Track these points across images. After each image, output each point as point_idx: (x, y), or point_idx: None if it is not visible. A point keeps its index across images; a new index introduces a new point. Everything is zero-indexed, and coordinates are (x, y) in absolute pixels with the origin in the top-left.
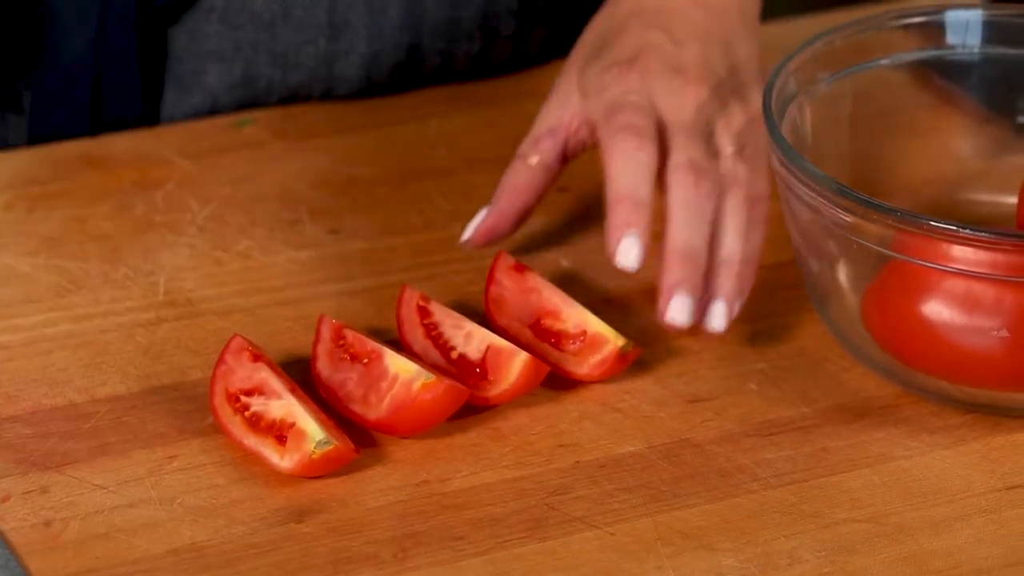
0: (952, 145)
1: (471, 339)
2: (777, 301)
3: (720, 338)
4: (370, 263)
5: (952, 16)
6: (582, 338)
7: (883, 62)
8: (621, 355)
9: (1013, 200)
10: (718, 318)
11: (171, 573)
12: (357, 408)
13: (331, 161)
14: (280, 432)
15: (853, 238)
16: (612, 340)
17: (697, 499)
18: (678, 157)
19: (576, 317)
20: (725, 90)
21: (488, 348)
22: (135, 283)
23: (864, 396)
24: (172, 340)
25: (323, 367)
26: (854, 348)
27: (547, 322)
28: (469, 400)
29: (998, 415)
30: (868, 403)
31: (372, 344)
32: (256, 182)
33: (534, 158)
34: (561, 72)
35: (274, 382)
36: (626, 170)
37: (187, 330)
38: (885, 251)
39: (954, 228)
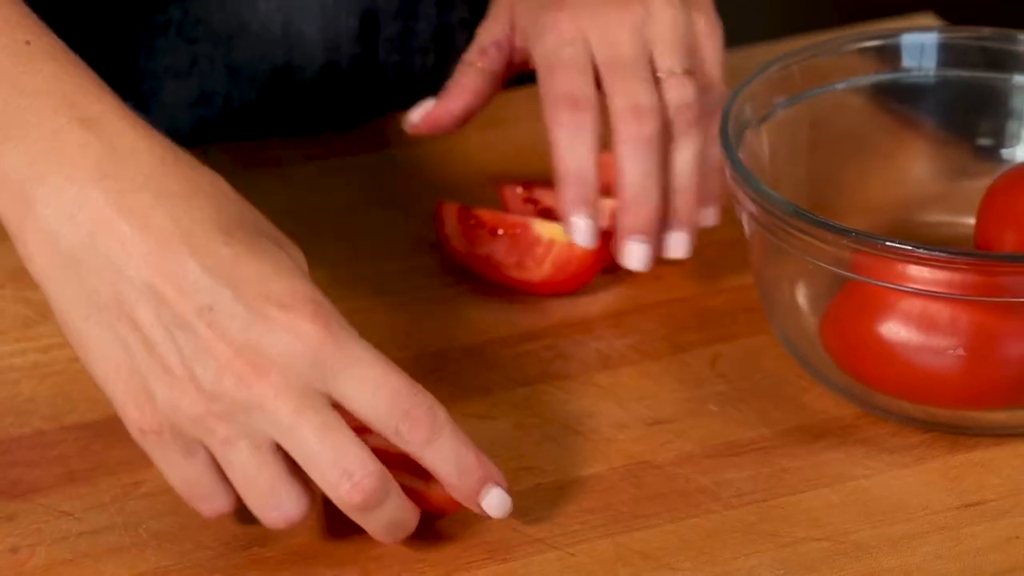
0: (910, 168)
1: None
2: (738, 323)
3: (681, 361)
4: (334, 291)
5: (908, 39)
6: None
7: (839, 86)
8: None
9: (972, 221)
10: (679, 247)
11: None
12: (514, 274)
13: (295, 190)
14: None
15: (811, 260)
16: None
17: (657, 520)
18: (619, 102)
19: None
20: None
21: (613, 213)
22: None
23: (823, 417)
24: None
25: (460, 245)
26: (813, 369)
27: None
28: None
29: (957, 434)
30: (827, 423)
31: (511, 216)
32: None
33: (481, 64)
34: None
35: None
36: (569, 145)
37: None
38: (842, 272)
39: (909, 248)
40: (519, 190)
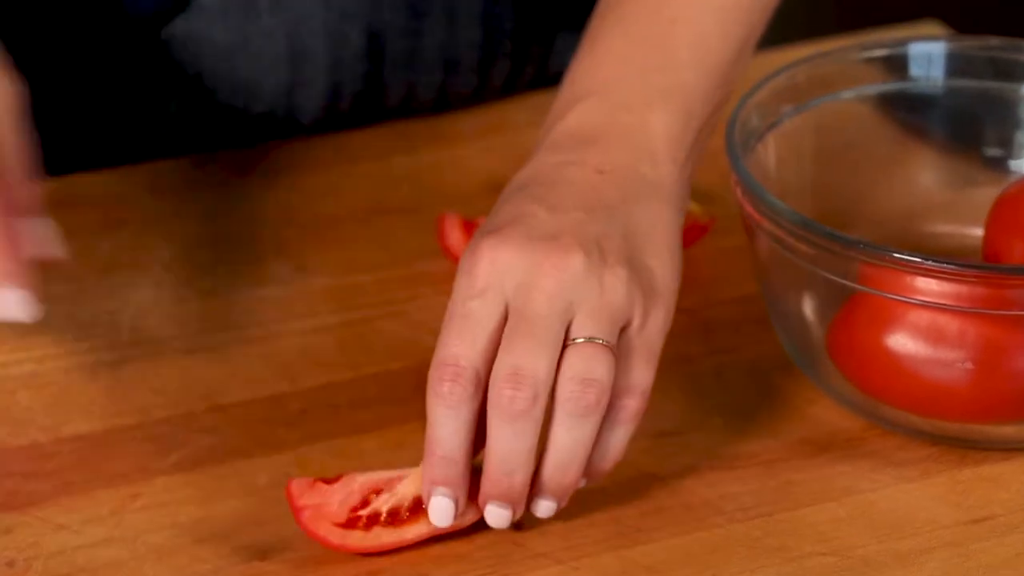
0: (917, 178)
1: None
2: (743, 335)
3: (686, 372)
4: (335, 300)
5: (915, 49)
6: None
7: (846, 95)
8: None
9: (979, 232)
10: (545, 512)
11: None
12: None
13: (296, 198)
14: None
15: (817, 271)
16: (694, 209)
17: (662, 533)
18: (502, 362)
19: None
20: (611, 258)
21: None
22: (99, 323)
23: (830, 429)
24: (136, 379)
25: (462, 255)
26: (820, 381)
27: None
28: None
29: (964, 447)
30: (834, 436)
31: None
32: (221, 220)
33: None
34: None
35: (378, 476)
36: (442, 420)
37: (151, 369)
38: (850, 283)
39: (918, 260)
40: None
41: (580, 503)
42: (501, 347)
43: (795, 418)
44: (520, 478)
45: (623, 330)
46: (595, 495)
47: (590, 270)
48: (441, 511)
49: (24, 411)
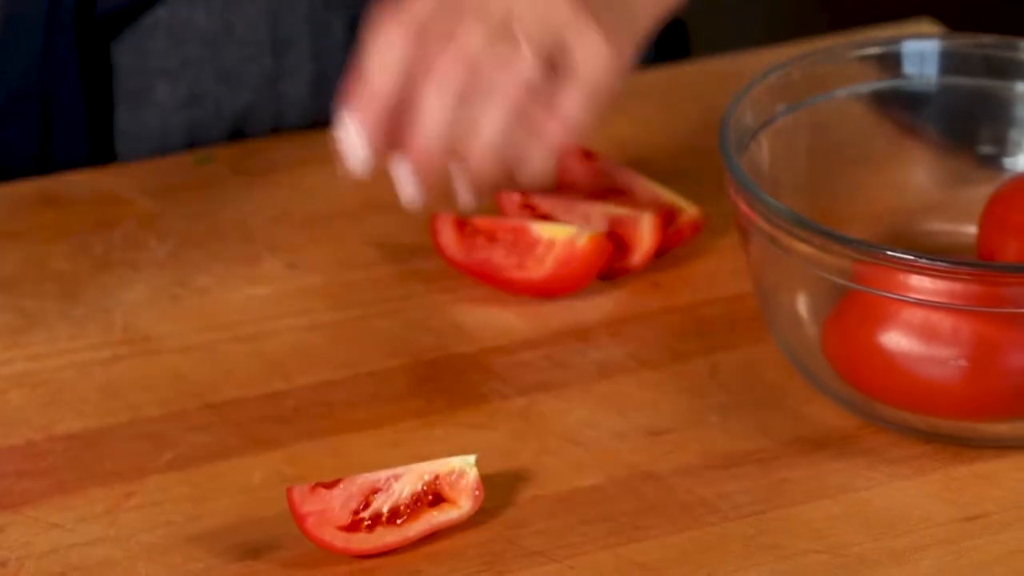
0: (911, 176)
1: (591, 217)
2: (737, 333)
3: (680, 371)
4: (328, 298)
5: (909, 47)
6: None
7: (840, 93)
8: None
9: (973, 230)
10: (462, 199)
11: None
12: (515, 275)
13: (290, 195)
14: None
15: (811, 269)
16: (686, 208)
17: (657, 532)
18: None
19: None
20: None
21: (611, 220)
22: (92, 321)
23: (824, 427)
24: (129, 377)
25: (455, 253)
26: (814, 379)
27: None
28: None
29: (959, 445)
30: (828, 434)
31: (509, 221)
32: (214, 218)
33: None
34: None
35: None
36: (377, 52)
37: (144, 367)
38: (844, 282)
39: (911, 257)
40: (516, 197)
41: (574, 501)
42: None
43: (790, 416)
44: (439, 149)
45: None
46: (589, 495)
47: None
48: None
49: (16, 410)
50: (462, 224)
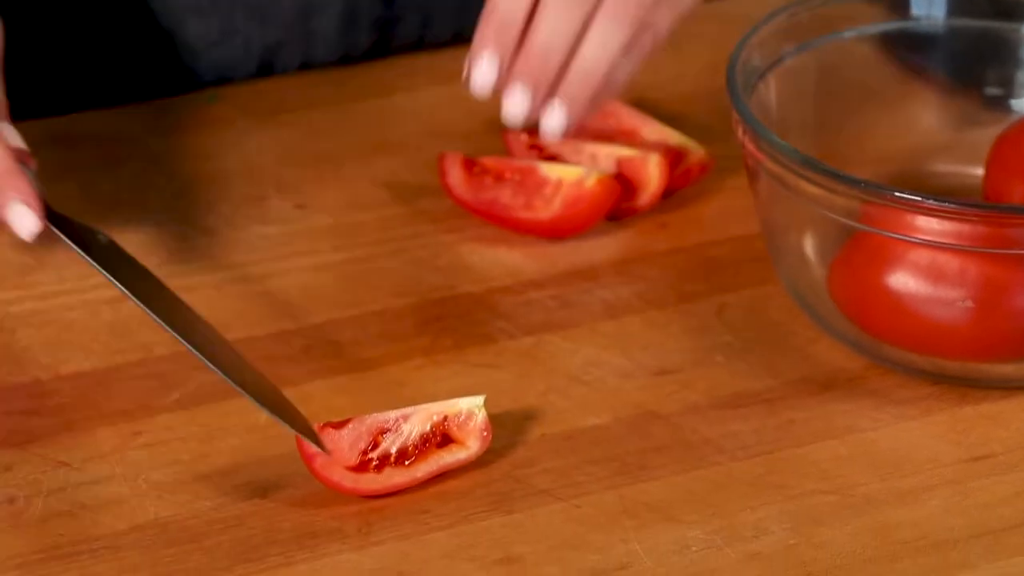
0: (919, 117)
1: (598, 158)
2: (744, 274)
3: (687, 311)
4: (337, 238)
5: None
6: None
7: (848, 34)
8: (701, 163)
9: (980, 172)
10: (555, 120)
11: (135, 549)
12: (522, 215)
13: (298, 136)
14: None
15: (819, 210)
16: (694, 149)
17: (663, 471)
18: None
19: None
20: None
21: (619, 160)
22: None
23: (831, 368)
24: (137, 317)
25: (464, 194)
26: (821, 320)
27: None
28: (617, 214)
29: (965, 386)
30: (835, 375)
31: (517, 161)
32: (223, 158)
33: None
34: None
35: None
36: None
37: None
38: (851, 223)
39: (919, 199)
40: (524, 136)
41: (581, 441)
42: None
43: (796, 357)
44: (556, 60)
45: None
46: (595, 434)
47: None
48: (486, 73)
49: (24, 349)
50: (470, 164)
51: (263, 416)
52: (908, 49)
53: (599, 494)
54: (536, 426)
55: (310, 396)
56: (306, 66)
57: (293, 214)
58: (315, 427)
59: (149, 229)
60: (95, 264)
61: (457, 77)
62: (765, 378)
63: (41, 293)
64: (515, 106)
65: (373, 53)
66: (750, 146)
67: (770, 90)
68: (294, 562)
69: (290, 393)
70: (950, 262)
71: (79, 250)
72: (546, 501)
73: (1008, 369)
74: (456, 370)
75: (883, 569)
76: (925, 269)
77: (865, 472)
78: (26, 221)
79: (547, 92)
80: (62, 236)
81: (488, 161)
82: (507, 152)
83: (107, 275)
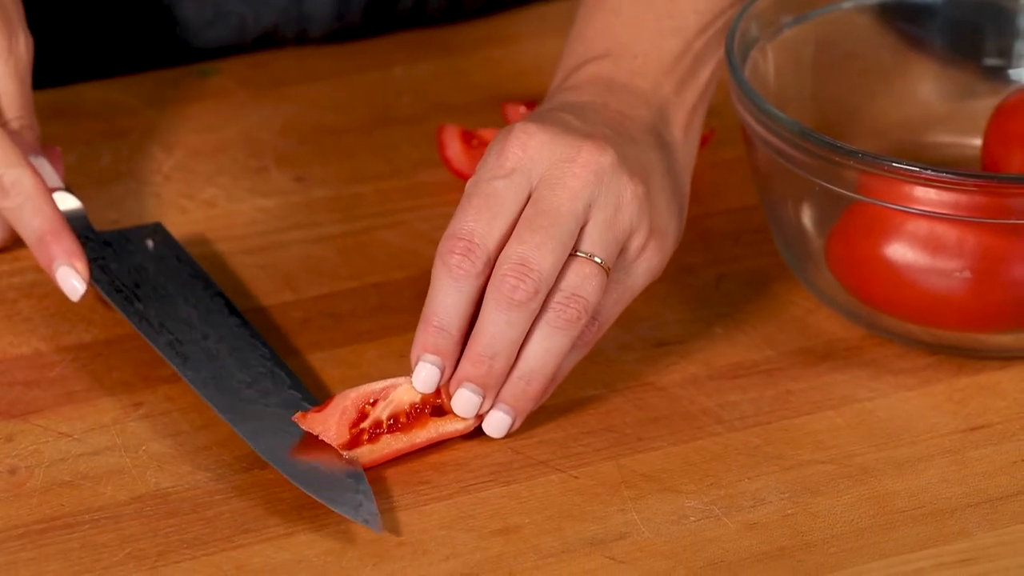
0: (917, 88)
1: None
2: (742, 245)
3: (685, 282)
4: (336, 210)
5: None
6: None
7: (846, 5)
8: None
9: (978, 142)
10: (500, 423)
11: (136, 519)
12: None
13: (297, 109)
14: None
15: (816, 181)
16: None
17: (661, 442)
18: (513, 249)
19: None
20: (634, 173)
21: None
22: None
23: (829, 338)
24: None
25: (463, 166)
26: (819, 291)
27: None
28: None
29: (963, 356)
30: (833, 345)
31: None
32: (222, 130)
33: None
34: None
35: (370, 388)
36: (444, 290)
37: None
38: (848, 193)
39: (917, 169)
40: (522, 109)
41: (579, 412)
42: (515, 234)
43: (794, 327)
44: (500, 365)
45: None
46: (592, 404)
47: (615, 175)
48: (427, 378)
49: (25, 320)
50: (469, 137)
51: None
52: (906, 20)
53: (597, 465)
54: None
55: (308, 368)
56: (302, 43)
57: (293, 186)
58: (297, 417)
59: (148, 201)
60: (137, 327)
61: (456, 50)
62: (763, 349)
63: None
64: (464, 407)
65: (370, 29)
66: (748, 118)
67: (768, 61)
68: (294, 532)
69: (288, 365)
70: (948, 232)
71: (123, 312)
72: (544, 472)
73: (1006, 339)
74: None
75: (880, 538)
76: (923, 239)
77: (862, 442)
78: (75, 283)
79: (494, 392)
80: (107, 298)
81: (486, 133)
82: (505, 125)
83: (148, 338)
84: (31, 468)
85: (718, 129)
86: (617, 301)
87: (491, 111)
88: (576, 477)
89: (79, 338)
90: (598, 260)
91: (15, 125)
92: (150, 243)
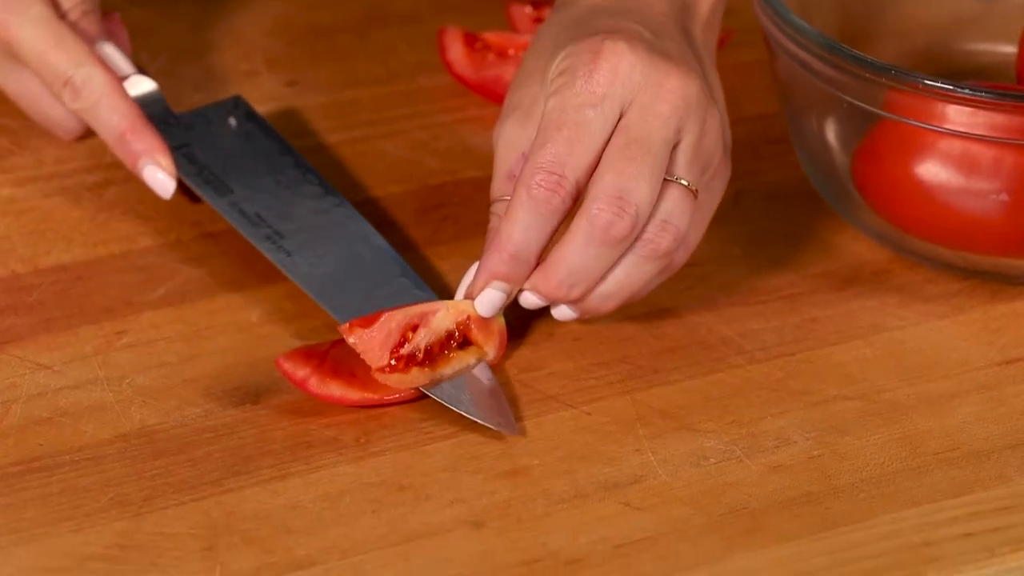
0: None
1: None
2: (761, 157)
3: None
4: (331, 117)
5: None
6: None
7: None
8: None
9: (1011, 49)
10: (565, 314)
11: (120, 460)
12: None
13: (288, 8)
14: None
15: (842, 96)
16: None
17: (678, 375)
18: (608, 180)
19: None
20: (715, 94)
21: None
22: (81, 143)
23: (855, 261)
24: (120, 205)
25: (465, 70)
26: (844, 210)
27: None
28: None
29: (998, 282)
30: (859, 269)
31: (521, 37)
32: (210, 31)
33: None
34: (519, 80)
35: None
36: (526, 222)
37: (136, 193)
38: (876, 110)
39: (951, 87)
40: (528, 9)
41: (590, 342)
42: (608, 163)
43: (818, 249)
44: (579, 292)
45: None
46: (606, 332)
47: (701, 101)
48: (492, 303)
49: (2, 240)
50: (471, 39)
51: (254, 314)
52: None
53: (610, 400)
54: (543, 325)
55: (300, 291)
56: None
57: (284, 92)
58: (343, 328)
59: None
60: (236, 223)
61: None
62: (785, 272)
63: (18, 178)
64: (530, 304)
65: None
66: (769, 26)
67: None
68: (288, 474)
69: (281, 289)
70: (983, 152)
71: (215, 205)
72: (554, 407)
73: None
74: (457, 264)
75: (913, 483)
76: (956, 159)
77: (892, 376)
78: (162, 178)
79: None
80: (198, 192)
81: (491, 36)
82: (510, 27)
83: (238, 227)
84: (7, 404)
85: (736, 31)
86: (702, 221)
87: (496, 12)
88: (588, 413)
89: (59, 259)
90: (686, 183)
91: (75, 14)
92: (232, 120)
